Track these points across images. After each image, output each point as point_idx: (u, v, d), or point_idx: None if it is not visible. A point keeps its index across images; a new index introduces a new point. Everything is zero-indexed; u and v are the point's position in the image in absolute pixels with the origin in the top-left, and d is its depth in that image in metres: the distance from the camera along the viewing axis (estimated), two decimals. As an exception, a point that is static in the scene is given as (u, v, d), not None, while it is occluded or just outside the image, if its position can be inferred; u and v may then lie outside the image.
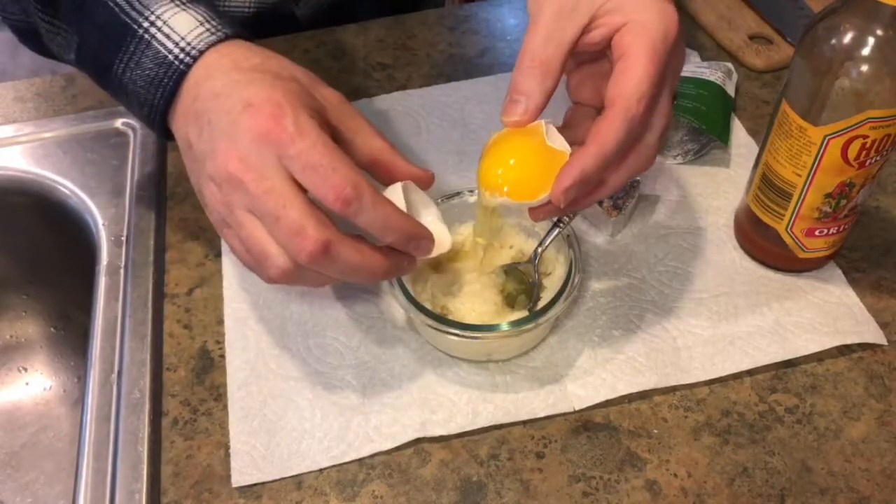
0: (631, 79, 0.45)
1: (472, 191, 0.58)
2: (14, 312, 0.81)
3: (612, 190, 0.48)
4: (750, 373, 0.55)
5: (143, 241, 0.64)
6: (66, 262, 0.74)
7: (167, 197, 0.67)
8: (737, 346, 0.55)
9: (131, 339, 0.57)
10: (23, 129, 0.73)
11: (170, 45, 0.50)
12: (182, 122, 0.50)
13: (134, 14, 0.51)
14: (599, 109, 0.47)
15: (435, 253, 0.50)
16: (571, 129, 0.50)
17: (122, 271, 0.62)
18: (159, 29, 0.50)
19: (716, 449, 0.51)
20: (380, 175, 0.50)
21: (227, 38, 0.50)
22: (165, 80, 0.50)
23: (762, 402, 0.53)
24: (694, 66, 0.71)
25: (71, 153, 0.71)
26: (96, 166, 0.70)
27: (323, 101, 0.49)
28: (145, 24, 0.50)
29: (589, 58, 0.50)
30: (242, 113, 0.45)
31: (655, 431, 0.52)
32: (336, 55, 0.79)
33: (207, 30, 0.50)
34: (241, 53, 0.49)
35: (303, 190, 0.44)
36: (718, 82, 0.69)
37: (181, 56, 0.49)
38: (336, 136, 0.49)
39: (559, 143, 0.48)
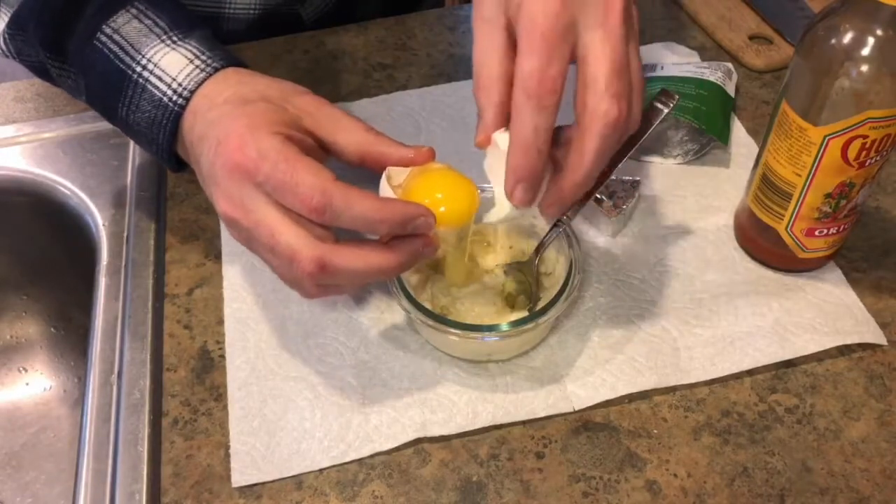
0: (522, 70, 0.43)
1: (472, 191, 0.58)
2: (14, 312, 0.81)
3: (587, 167, 0.45)
4: (750, 373, 0.55)
5: (143, 241, 0.64)
6: (66, 262, 0.74)
7: (167, 197, 0.67)
8: (737, 346, 0.55)
9: (131, 339, 0.58)
10: (23, 129, 0.73)
11: (163, 87, 0.51)
12: (190, 161, 0.52)
13: (128, 60, 0.53)
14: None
15: (452, 224, 0.49)
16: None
17: (122, 271, 0.62)
18: (151, 72, 0.52)
19: (716, 449, 0.51)
20: (372, 167, 0.50)
21: (216, 71, 0.51)
22: (164, 122, 0.52)
23: (762, 402, 0.53)
24: (694, 66, 0.71)
25: (71, 153, 0.71)
26: (96, 166, 0.70)
27: (297, 110, 0.49)
28: (138, 69, 0.52)
29: None
30: (216, 154, 0.46)
31: (655, 431, 0.52)
32: (336, 55, 0.79)
33: (197, 66, 0.51)
34: (217, 88, 0.51)
35: (292, 211, 0.45)
36: (718, 82, 0.69)
37: (174, 98, 0.51)
38: (318, 141, 0.49)
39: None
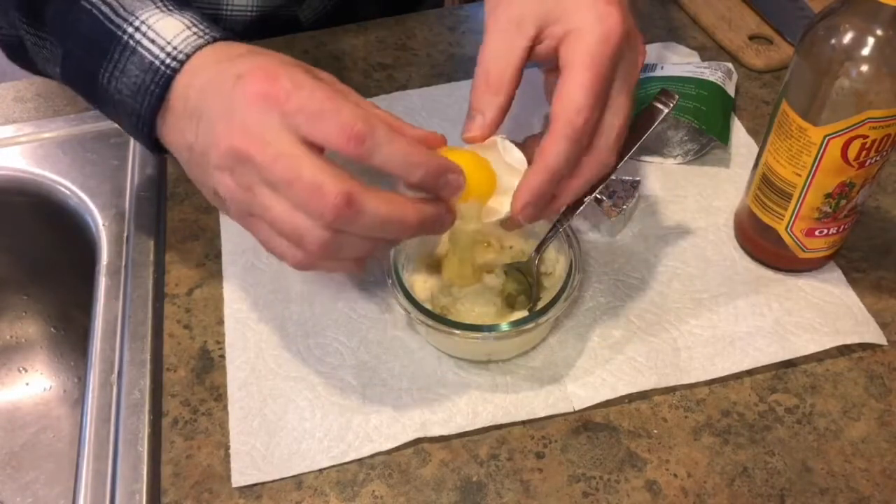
0: (568, 92, 0.45)
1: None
2: (14, 312, 0.81)
3: (573, 196, 0.49)
4: (750, 373, 0.55)
5: (143, 241, 0.64)
6: (66, 262, 0.74)
7: (167, 197, 0.67)
8: (737, 346, 0.55)
9: (131, 339, 0.57)
10: (23, 129, 0.73)
11: (156, 50, 0.48)
12: (176, 129, 0.48)
13: (118, 21, 0.50)
14: None
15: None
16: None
17: (122, 271, 0.62)
18: (144, 34, 0.49)
19: (716, 449, 0.51)
20: None
21: (215, 41, 0.49)
22: (152, 87, 0.48)
23: (762, 402, 0.53)
24: (694, 66, 0.71)
25: (71, 153, 0.71)
26: (96, 166, 0.70)
27: (318, 76, 0.47)
28: (130, 30, 0.49)
29: (557, 63, 0.50)
30: (235, 86, 0.43)
31: (655, 431, 0.52)
32: (336, 55, 0.79)
33: (195, 33, 0.49)
34: (225, 50, 0.48)
35: (315, 150, 0.42)
36: (718, 82, 0.69)
37: (168, 61, 0.48)
38: None
39: (515, 158, 0.48)
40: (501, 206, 0.49)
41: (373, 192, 0.42)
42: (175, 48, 0.48)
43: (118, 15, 0.50)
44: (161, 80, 0.48)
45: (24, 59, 0.59)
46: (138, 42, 0.49)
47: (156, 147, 0.52)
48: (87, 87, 0.52)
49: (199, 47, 0.48)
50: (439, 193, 0.45)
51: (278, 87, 0.42)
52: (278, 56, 0.47)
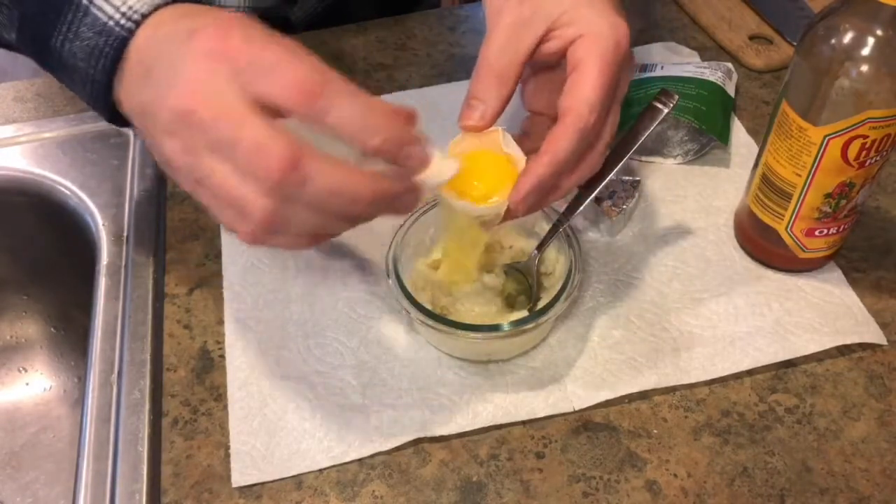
0: (583, 90, 0.46)
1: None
2: (14, 312, 0.81)
3: (564, 193, 0.50)
4: (750, 373, 0.55)
5: (143, 241, 0.64)
6: (66, 262, 0.74)
7: (167, 197, 0.67)
8: (737, 346, 0.55)
9: (131, 339, 0.57)
10: (23, 129, 0.73)
11: (109, 9, 0.45)
12: (130, 93, 0.45)
13: None
14: (554, 119, 0.47)
15: (439, 178, 0.44)
16: (528, 138, 0.51)
17: (122, 271, 0.62)
18: None
19: (716, 449, 0.51)
20: None
21: (173, 1, 0.45)
22: (106, 49, 0.45)
23: (762, 402, 0.53)
24: (694, 66, 0.71)
25: (71, 153, 0.71)
26: (96, 166, 0.70)
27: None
28: None
29: (544, 67, 0.51)
30: (186, 41, 0.40)
31: (655, 431, 0.52)
32: (336, 55, 0.79)
33: None
34: (185, 9, 0.45)
35: (267, 112, 0.39)
36: (718, 82, 0.69)
37: (122, 21, 0.44)
38: None
39: (514, 151, 0.49)
40: (490, 196, 0.49)
41: (324, 157, 0.39)
42: (130, 7, 0.44)
43: None
44: (115, 42, 0.44)
45: None
46: (91, 2, 0.45)
47: (115, 117, 0.48)
48: (41, 51, 0.49)
49: (157, 6, 0.45)
50: (402, 165, 0.41)
51: (229, 44, 0.39)
52: (242, 16, 0.43)
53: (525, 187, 0.47)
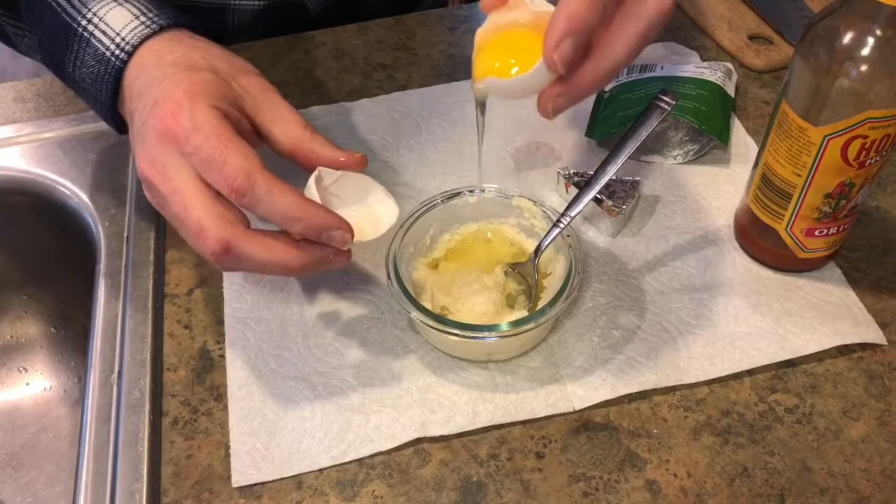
0: None
1: (471, 190, 0.59)
2: (14, 312, 0.81)
3: (619, 55, 0.44)
4: (750, 373, 0.55)
5: (143, 241, 0.64)
6: (66, 262, 0.74)
7: (167, 197, 0.67)
8: (737, 346, 0.55)
9: (131, 339, 0.57)
10: (23, 129, 0.73)
11: (106, 41, 0.51)
12: (126, 117, 0.52)
13: (73, 13, 0.52)
14: None
15: (370, 236, 0.49)
16: None
17: (122, 271, 0.62)
18: (96, 26, 0.51)
19: (716, 449, 0.51)
20: (302, 164, 0.50)
21: (161, 29, 0.51)
22: (106, 77, 0.51)
23: (762, 402, 0.53)
24: (694, 66, 0.71)
25: (71, 153, 0.71)
26: (96, 166, 0.70)
27: (242, 90, 0.49)
28: (83, 23, 0.52)
29: None
30: (149, 114, 0.46)
31: (655, 431, 0.52)
32: (336, 55, 0.79)
33: (142, 23, 0.51)
34: (167, 47, 0.50)
35: (212, 187, 0.45)
36: (718, 82, 0.69)
37: (117, 52, 0.51)
38: (255, 126, 0.50)
39: (544, 6, 0.45)
40: (530, 62, 0.44)
41: (254, 238, 0.45)
42: (123, 39, 0.51)
43: (73, 6, 0.53)
44: (113, 71, 0.51)
45: (14, 46, 0.62)
46: (91, 34, 0.52)
47: (123, 128, 0.54)
48: (60, 74, 0.56)
49: (146, 37, 0.51)
50: (326, 244, 0.47)
51: (178, 125, 0.45)
52: (208, 65, 0.49)
53: (557, 31, 0.41)
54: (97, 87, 0.52)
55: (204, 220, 0.44)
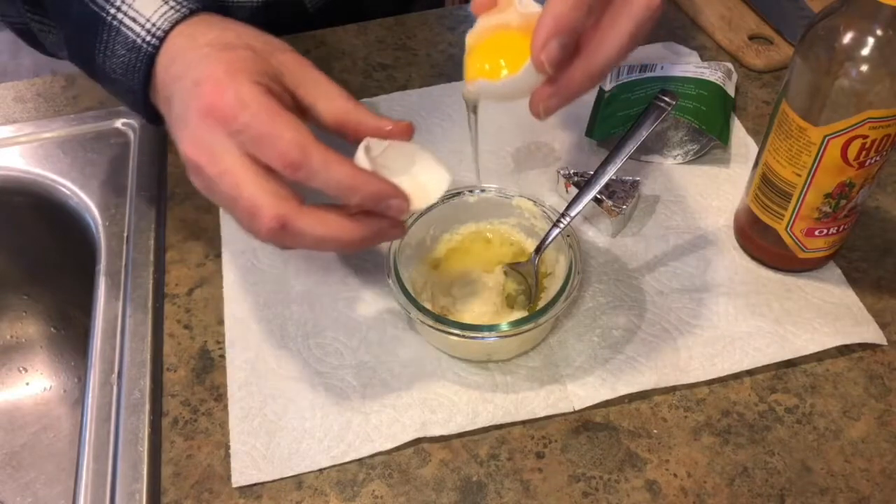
0: None
1: (471, 190, 0.59)
2: (14, 312, 0.81)
3: (608, 55, 0.43)
4: (750, 373, 0.55)
5: (143, 241, 0.64)
6: (66, 262, 0.74)
7: (167, 197, 0.67)
8: (737, 346, 0.55)
9: (131, 339, 0.57)
10: (23, 129, 0.73)
11: (137, 28, 0.50)
12: (161, 105, 0.51)
13: (101, 1, 0.51)
14: None
15: (423, 204, 0.47)
16: None
17: (122, 271, 0.62)
18: (125, 14, 0.51)
19: (716, 449, 0.51)
20: (348, 136, 0.49)
21: (191, 13, 0.50)
22: (138, 65, 0.50)
23: (762, 402, 0.53)
24: (694, 67, 0.71)
25: (71, 153, 0.71)
26: (96, 166, 0.70)
27: (280, 66, 0.48)
28: (112, 11, 0.51)
29: None
30: (191, 95, 0.45)
31: (655, 431, 0.52)
32: (336, 55, 0.79)
33: (172, 7, 0.50)
34: (199, 30, 0.49)
35: (261, 164, 0.44)
36: (718, 82, 0.69)
37: (148, 38, 0.49)
38: (297, 102, 0.48)
39: (532, 7, 0.45)
40: (518, 63, 0.44)
41: (310, 213, 0.44)
42: (154, 24, 0.49)
43: None
44: (145, 58, 0.50)
45: (38, 45, 0.61)
46: (121, 22, 0.50)
47: (156, 119, 0.53)
48: (88, 67, 0.54)
49: (176, 21, 0.50)
50: (384, 214, 0.46)
51: (224, 103, 0.44)
52: (244, 43, 0.48)
53: (543, 30, 0.42)
54: (128, 76, 0.51)
55: (258, 198, 0.43)
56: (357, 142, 0.48)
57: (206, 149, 0.44)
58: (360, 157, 0.46)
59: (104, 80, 0.54)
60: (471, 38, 0.47)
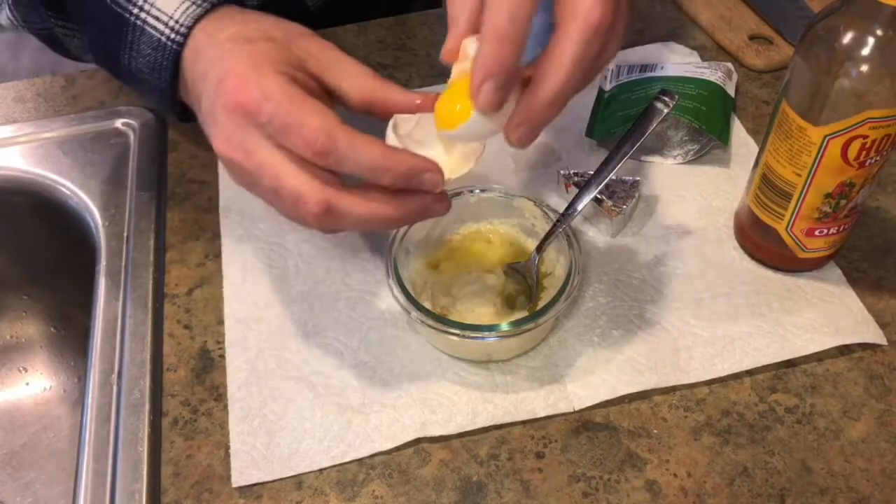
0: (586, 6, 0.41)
1: (471, 190, 0.59)
2: (14, 312, 0.81)
3: (559, 81, 0.42)
4: (750, 373, 0.55)
5: (143, 241, 0.64)
6: (66, 262, 0.74)
7: (167, 197, 0.67)
8: (737, 346, 0.55)
9: (131, 339, 0.57)
10: (23, 129, 0.73)
11: (161, 26, 0.50)
12: (192, 102, 0.51)
13: (123, 2, 0.52)
14: None
15: (459, 172, 0.46)
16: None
17: (122, 271, 0.62)
18: (148, 13, 0.51)
19: (716, 449, 0.51)
20: (377, 114, 0.48)
21: (213, 7, 0.50)
22: (165, 63, 0.51)
23: (762, 402, 0.53)
24: (694, 66, 0.71)
25: (71, 153, 0.71)
26: (96, 166, 0.70)
27: (303, 53, 0.48)
28: (135, 11, 0.51)
29: None
30: (216, 92, 0.45)
31: (655, 431, 0.52)
32: (336, 55, 0.79)
33: (193, 3, 0.50)
34: (218, 25, 0.49)
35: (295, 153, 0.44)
36: (718, 82, 0.69)
37: (172, 36, 0.50)
38: (323, 86, 0.48)
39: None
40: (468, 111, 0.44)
41: (353, 195, 0.44)
42: (177, 21, 0.50)
43: None
44: (171, 56, 0.50)
45: (62, 49, 0.61)
46: (144, 21, 0.51)
47: (186, 116, 0.54)
48: (114, 69, 0.55)
49: (199, 17, 0.50)
50: (419, 189, 0.45)
51: (249, 98, 0.43)
52: (264, 35, 0.48)
53: (475, 78, 0.41)
54: (155, 75, 0.51)
55: (300, 186, 0.43)
56: (387, 119, 0.47)
57: (239, 145, 0.44)
58: (390, 136, 0.46)
59: (131, 81, 0.54)
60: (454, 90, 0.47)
